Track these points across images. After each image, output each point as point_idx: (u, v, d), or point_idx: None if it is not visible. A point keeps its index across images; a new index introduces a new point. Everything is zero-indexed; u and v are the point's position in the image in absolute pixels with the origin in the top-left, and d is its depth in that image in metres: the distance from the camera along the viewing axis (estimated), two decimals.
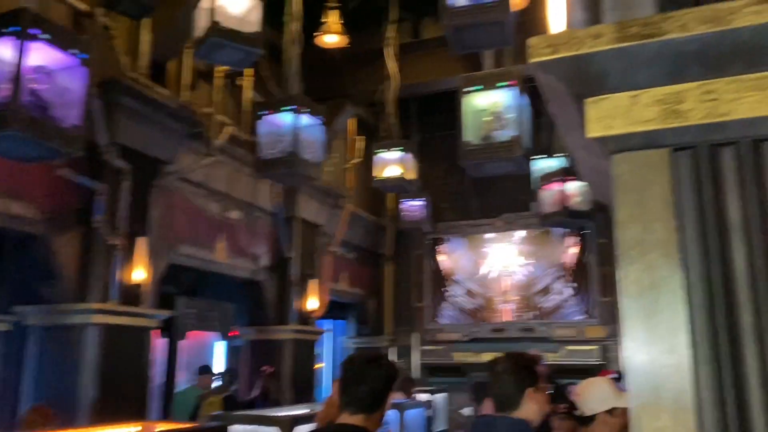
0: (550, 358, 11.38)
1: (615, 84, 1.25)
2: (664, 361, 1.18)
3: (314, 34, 8.47)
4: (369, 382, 2.08)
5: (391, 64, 8.82)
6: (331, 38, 8.53)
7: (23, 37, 4.22)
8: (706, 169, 1.20)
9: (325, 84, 9.82)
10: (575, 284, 11.77)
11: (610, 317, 10.94)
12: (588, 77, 1.25)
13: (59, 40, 4.43)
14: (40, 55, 4.41)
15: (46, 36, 4.32)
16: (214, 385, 7.24)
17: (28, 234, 5.82)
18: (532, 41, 1.24)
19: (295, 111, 6.00)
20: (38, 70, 4.46)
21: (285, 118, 6.09)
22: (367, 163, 10.57)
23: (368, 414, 2.04)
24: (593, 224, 9.78)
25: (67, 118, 4.53)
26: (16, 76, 4.18)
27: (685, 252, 1.19)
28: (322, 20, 8.43)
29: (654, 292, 1.20)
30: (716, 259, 1.17)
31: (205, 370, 7.29)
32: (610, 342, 11.01)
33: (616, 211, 1.29)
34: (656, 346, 1.19)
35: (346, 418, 2.04)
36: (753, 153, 1.18)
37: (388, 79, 8.86)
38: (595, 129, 1.28)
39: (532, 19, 7.46)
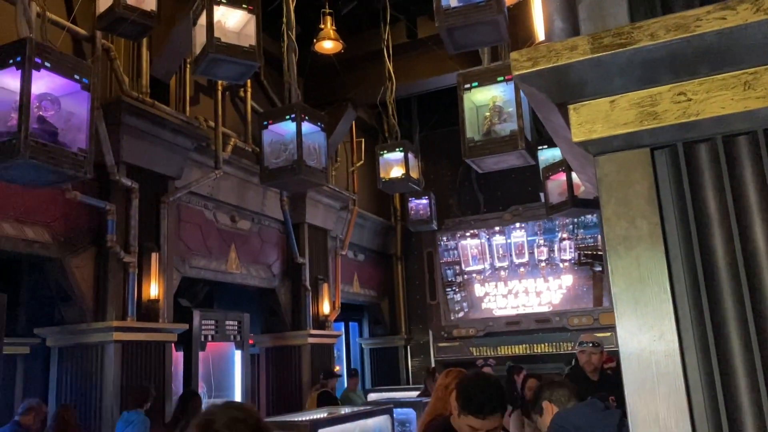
0: (567, 347, 11.46)
1: (593, 90, 1.33)
2: (655, 348, 1.25)
3: (312, 40, 8.56)
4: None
5: (389, 65, 8.89)
6: (328, 44, 8.61)
7: (27, 66, 4.32)
8: (684, 166, 1.28)
9: (326, 89, 9.91)
10: (588, 271, 11.80)
11: None
12: (567, 86, 1.32)
13: (61, 67, 4.53)
14: (44, 82, 4.51)
15: (49, 64, 4.42)
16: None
17: (44, 257, 5.94)
18: (513, 56, 1.31)
19: (297, 119, 6.07)
20: (43, 97, 4.56)
21: (287, 127, 6.18)
22: (371, 164, 10.65)
23: None
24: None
25: (75, 142, 4.63)
26: (23, 105, 4.28)
27: (668, 245, 1.26)
28: (319, 26, 8.51)
29: (641, 284, 1.28)
30: (698, 251, 1.24)
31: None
32: None
33: (602, 209, 1.36)
34: (646, 334, 1.26)
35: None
36: (726, 148, 1.25)
37: (386, 80, 8.93)
38: (578, 134, 1.35)
39: (525, 12, 7.53)
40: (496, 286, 12.48)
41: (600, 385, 4.11)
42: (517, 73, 1.32)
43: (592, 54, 1.25)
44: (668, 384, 1.23)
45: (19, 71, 4.32)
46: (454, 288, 12.67)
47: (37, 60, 4.35)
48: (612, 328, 11.24)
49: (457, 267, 12.75)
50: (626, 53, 1.23)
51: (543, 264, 12.22)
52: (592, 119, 1.33)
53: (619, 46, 1.23)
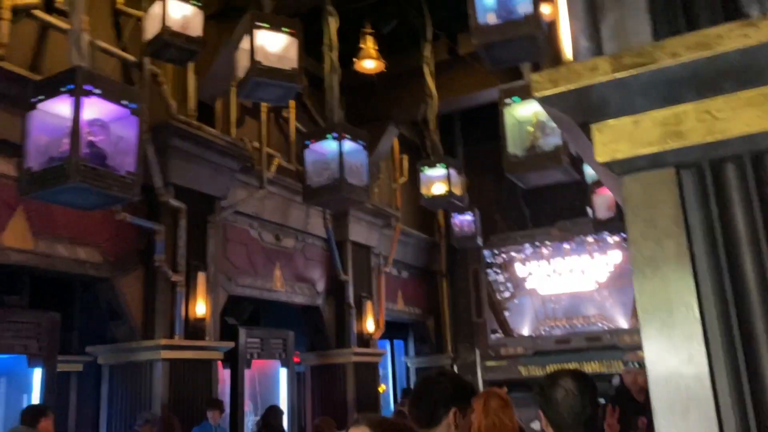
0: (620, 366, 11.16)
1: (616, 110, 1.31)
2: (684, 371, 1.22)
3: (353, 60, 8.66)
4: (432, 396, 2.15)
5: (430, 82, 8.91)
6: (369, 63, 8.70)
7: (78, 93, 4.49)
8: (711, 185, 1.24)
9: (367, 107, 9.99)
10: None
11: None
12: (589, 106, 1.31)
13: (111, 93, 4.69)
14: (95, 108, 4.68)
15: (99, 91, 4.59)
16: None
17: (95, 277, 6.13)
18: (534, 77, 1.31)
19: (338, 138, 6.14)
20: (93, 123, 4.73)
21: (329, 146, 6.25)
22: (413, 181, 10.66)
23: (429, 428, 2.10)
24: None
25: (124, 165, 4.77)
26: (74, 131, 4.45)
27: (696, 266, 1.23)
28: (360, 45, 8.61)
29: (669, 305, 1.25)
30: (727, 272, 1.21)
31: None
32: None
33: (628, 230, 1.33)
34: (675, 357, 1.23)
35: None
36: (753, 167, 1.21)
37: (428, 97, 8.95)
38: (602, 154, 1.33)
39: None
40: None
41: (645, 406, 4.00)
42: (538, 94, 1.31)
43: (613, 74, 1.24)
44: (698, 408, 1.19)
45: (71, 98, 4.50)
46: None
47: (88, 87, 4.51)
48: None
49: (504, 283, 12.64)
50: (647, 73, 1.21)
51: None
52: (616, 139, 1.31)
53: (640, 65, 1.21)
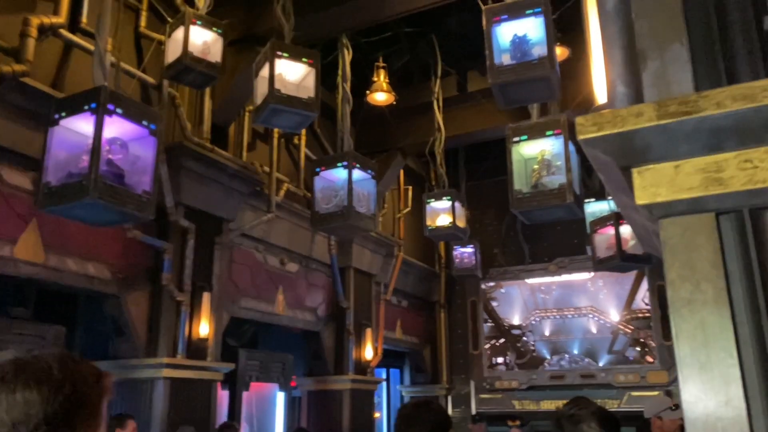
0: (613, 405, 11.14)
1: (658, 155, 1.38)
2: (722, 414, 1.27)
3: (365, 92, 8.82)
4: (418, 427, 2.14)
5: (439, 117, 9.07)
6: (381, 95, 8.85)
7: (101, 112, 4.57)
8: (750, 231, 1.31)
9: (376, 138, 10.13)
10: (635, 347, 11.60)
11: (673, 361, 10.65)
12: (632, 150, 1.38)
13: (132, 113, 4.77)
14: (115, 127, 4.76)
15: (121, 110, 4.67)
16: None
17: (103, 293, 6.15)
18: (579, 120, 1.38)
19: (348, 167, 6.22)
20: (113, 141, 4.80)
21: (339, 174, 6.33)
22: (417, 211, 10.75)
23: None
24: (650, 267, 9.65)
25: (140, 184, 4.84)
26: (94, 148, 4.52)
27: (735, 310, 1.29)
28: (373, 79, 8.77)
29: (706, 348, 1.30)
30: (765, 316, 1.27)
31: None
32: (674, 387, 10.69)
33: (666, 272, 1.39)
34: (713, 400, 1.28)
35: None
36: None
37: (436, 131, 9.10)
38: (642, 197, 1.40)
39: (573, 68, 7.63)
40: (541, 336, 12.32)
41: None
42: (582, 137, 1.38)
43: (658, 121, 1.31)
44: None
45: (93, 116, 4.58)
46: (497, 338, 12.58)
47: (110, 106, 4.60)
48: (660, 386, 10.93)
49: (501, 316, 12.67)
50: (692, 121, 1.29)
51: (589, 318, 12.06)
52: (656, 183, 1.38)
53: (685, 114, 1.29)
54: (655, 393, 10.86)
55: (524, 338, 12.49)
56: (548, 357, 12.22)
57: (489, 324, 12.71)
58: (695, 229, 1.36)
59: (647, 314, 11.52)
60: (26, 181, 5.50)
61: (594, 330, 12.02)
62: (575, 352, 12.06)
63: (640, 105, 1.36)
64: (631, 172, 1.43)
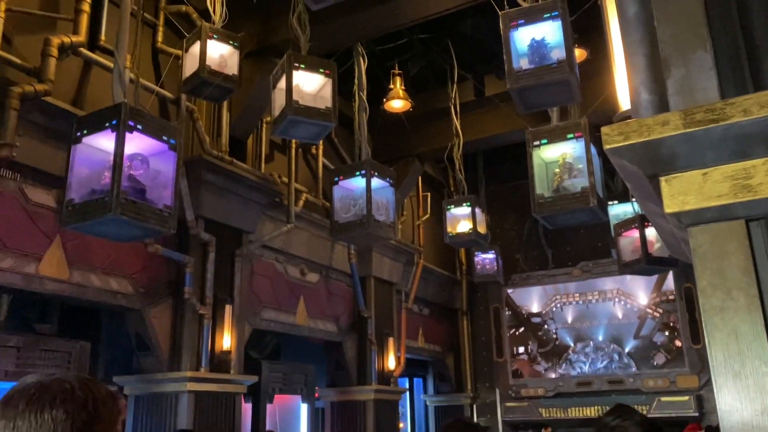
0: (643, 411, 10.95)
1: (685, 163, 1.35)
2: (758, 423, 1.23)
3: (382, 99, 8.83)
4: None
5: (456, 123, 9.04)
6: (397, 103, 8.86)
7: (121, 128, 4.62)
8: None
9: (394, 145, 10.12)
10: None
11: (703, 365, 10.47)
12: (659, 159, 1.36)
13: (151, 128, 4.80)
14: (136, 143, 4.80)
15: (141, 126, 4.71)
16: None
17: (126, 308, 6.20)
18: (605, 130, 1.36)
19: (367, 175, 6.22)
20: (134, 157, 4.84)
21: (357, 183, 6.33)
22: (436, 218, 10.72)
23: None
24: (677, 269, 9.49)
25: (161, 199, 4.87)
26: (116, 165, 4.56)
27: (767, 318, 1.26)
28: (389, 86, 8.78)
29: (740, 357, 1.27)
30: None
31: None
32: (705, 392, 10.50)
33: (697, 280, 1.36)
34: (748, 409, 1.24)
35: None
36: None
37: (453, 137, 9.07)
38: (671, 205, 1.37)
39: (592, 68, 7.56)
40: (567, 342, 12.16)
41: None
42: (608, 146, 1.36)
43: (685, 129, 1.28)
44: None
45: (114, 133, 4.62)
46: (522, 344, 12.44)
47: (130, 123, 4.64)
48: (689, 391, 10.74)
49: (525, 323, 12.54)
50: (719, 129, 1.26)
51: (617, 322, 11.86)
52: (685, 191, 1.35)
53: (712, 122, 1.26)
54: (686, 398, 10.70)
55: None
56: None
57: (506, 312, 12.56)
58: (725, 237, 1.33)
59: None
60: (50, 199, 5.58)
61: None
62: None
63: (666, 114, 1.33)
64: (658, 181, 1.40)
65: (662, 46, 1.42)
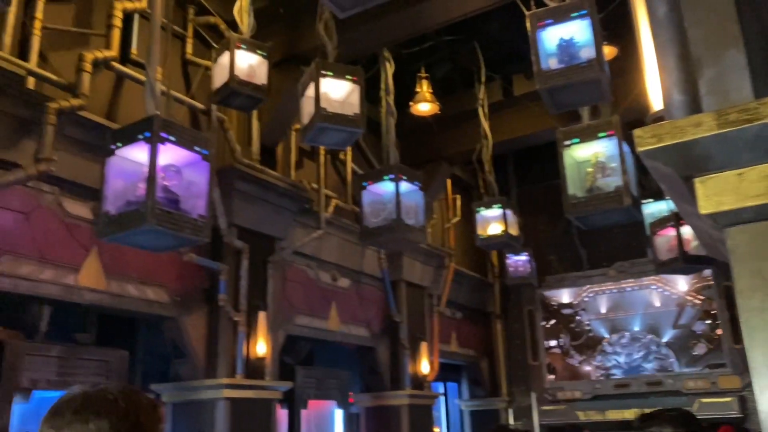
0: None
1: (720, 164, 1.33)
2: None
3: (408, 102, 8.83)
4: None
5: (485, 124, 8.99)
6: (425, 106, 8.86)
7: (155, 140, 4.70)
8: None
9: (422, 148, 10.11)
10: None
11: (745, 366, 10.22)
12: (693, 160, 1.33)
13: (184, 140, 4.87)
14: (169, 154, 4.88)
15: (174, 138, 4.79)
16: None
17: (162, 316, 6.30)
18: (637, 132, 1.34)
19: (395, 179, 6.22)
20: (167, 168, 4.92)
21: (386, 187, 6.33)
22: (466, 220, 10.67)
23: None
24: (715, 268, 9.26)
25: (195, 208, 4.93)
26: (150, 176, 4.64)
27: None
28: (416, 90, 8.78)
29: None
30: None
31: None
32: (747, 393, 10.23)
33: (735, 281, 1.33)
34: None
35: None
36: None
37: (482, 138, 9.02)
38: (706, 206, 1.35)
39: (622, 65, 7.45)
40: (602, 345, 11.95)
41: None
42: (641, 149, 1.34)
43: (719, 130, 1.26)
44: None
45: (148, 145, 4.71)
46: (557, 347, 12.27)
47: (163, 135, 4.72)
48: (732, 392, 10.47)
49: (561, 325, 12.37)
50: (754, 128, 1.24)
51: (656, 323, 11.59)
52: (720, 192, 1.33)
53: (746, 122, 1.23)
54: (728, 399, 10.44)
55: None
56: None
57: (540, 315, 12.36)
58: (763, 237, 1.30)
59: None
60: (86, 211, 5.70)
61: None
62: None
63: (699, 115, 1.31)
64: (693, 182, 1.38)
65: (693, 45, 1.40)
